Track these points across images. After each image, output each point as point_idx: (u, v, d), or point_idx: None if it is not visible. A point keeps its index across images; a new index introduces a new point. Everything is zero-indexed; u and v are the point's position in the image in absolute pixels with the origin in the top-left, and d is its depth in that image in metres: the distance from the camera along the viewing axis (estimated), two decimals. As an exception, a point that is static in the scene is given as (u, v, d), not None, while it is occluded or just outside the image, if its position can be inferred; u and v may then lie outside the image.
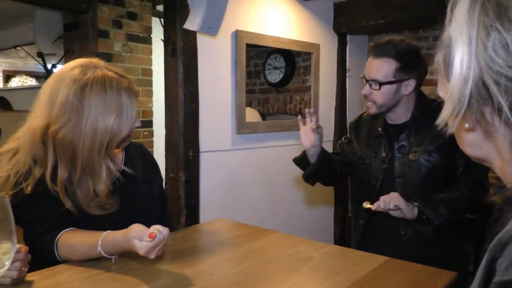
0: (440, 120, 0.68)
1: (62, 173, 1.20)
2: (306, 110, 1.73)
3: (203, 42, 2.64)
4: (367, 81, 1.62)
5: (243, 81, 2.86)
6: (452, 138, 1.80)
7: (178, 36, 2.57)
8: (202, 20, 2.43)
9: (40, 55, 3.21)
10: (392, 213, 1.47)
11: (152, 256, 1.07)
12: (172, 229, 1.53)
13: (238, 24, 2.82)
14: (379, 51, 1.59)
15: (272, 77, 4.17)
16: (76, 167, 1.20)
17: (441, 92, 0.72)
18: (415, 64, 1.59)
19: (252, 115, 3.47)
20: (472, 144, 0.68)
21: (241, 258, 1.22)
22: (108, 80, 1.21)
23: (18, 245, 0.98)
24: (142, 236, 1.05)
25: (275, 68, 4.13)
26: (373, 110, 1.65)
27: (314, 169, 1.72)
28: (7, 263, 0.78)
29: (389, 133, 1.70)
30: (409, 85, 1.59)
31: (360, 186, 1.76)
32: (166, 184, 2.70)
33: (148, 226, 1.09)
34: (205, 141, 2.68)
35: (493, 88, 0.51)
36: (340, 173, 1.85)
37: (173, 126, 2.63)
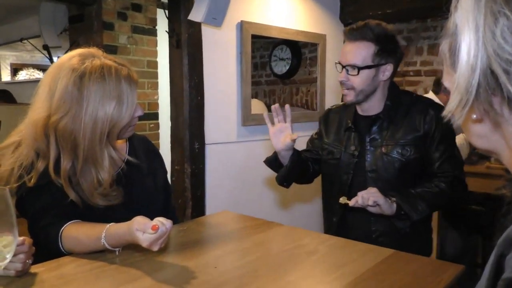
0: (447, 112, 0.66)
1: (65, 164, 1.20)
2: (273, 106, 1.59)
3: (208, 33, 2.63)
4: (343, 67, 1.54)
5: (249, 73, 2.84)
6: (426, 131, 1.79)
7: (182, 28, 2.56)
8: (206, 11, 2.41)
9: (46, 47, 3.22)
10: (370, 209, 1.41)
11: (155, 248, 1.07)
12: (176, 221, 1.53)
13: (243, 15, 2.80)
14: (356, 35, 1.51)
15: (278, 69, 4.14)
16: (78, 157, 1.20)
17: (447, 82, 0.70)
18: (392, 48, 1.53)
19: (258, 106, 3.45)
20: (480, 135, 0.65)
21: (245, 251, 1.21)
22: (106, 68, 1.21)
23: (22, 238, 0.98)
24: (145, 229, 1.05)
25: (281, 59, 4.10)
26: (350, 98, 1.56)
27: (287, 171, 1.62)
28: (8, 256, 0.78)
29: (359, 125, 1.64)
30: (387, 70, 1.53)
31: (332, 182, 1.68)
32: (172, 176, 2.70)
33: (152, 218, 1.08)
34: (211, 133, 2.67)
35: (502, 77, 0.49)
36: (313, 172, 1.77)
37: (179, 118, 2.63)
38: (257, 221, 1.49)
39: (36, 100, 1.23)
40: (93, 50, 1.27)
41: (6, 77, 6.83)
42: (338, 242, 1.27)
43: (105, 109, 1.20)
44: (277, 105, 1.58)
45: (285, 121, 1.58)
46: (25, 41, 3.99)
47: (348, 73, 1.53)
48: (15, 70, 6.86)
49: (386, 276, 1.03)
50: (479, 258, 2.94)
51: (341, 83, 1.56)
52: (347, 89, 1.55)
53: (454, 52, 0.61)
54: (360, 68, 1.50)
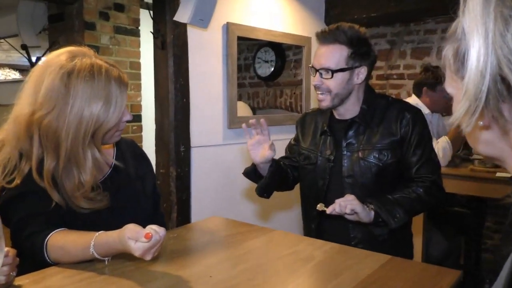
0: (454, 119, 0.64)
1: (48, 164, 1.16)
2: (250, 121, 1.54)
3: (193, 35, 2.58)
4: (317, 70, 1.51)
5: (235, 75, 2.80)
6: (403, 136, 1.78)
7: (168, 29, 2.51)
8: (193, 12, 2.37)
9: (25, 47, 3.11)
10: (348, 217, 1.38)
11: (148, 257, 1.02)
12: (164, 227, 1.49)
13: (229, 16, 2.76)
14: (328, 38, 1.49)
15: (262, 71, 4.12)
16: (60, 157, 1.15)
17: (450, 89, 0.69)
18: (366, 51, 1.51)
19: (243, 109, 3.42)
20: (487, 142, 0.64)
21: (240, 259, 1.18)
22: (97, 67, 1.17)
23: (6, 249, 0.93)
24: (137, 237, 1.00)
25: (265, 61, 4.08)
26: (326, 103, 1.53)
27: (267, 182, 1.60)
28: (-5, 271, 0.73)
29: (334, 129, 1.61)
30: (361, 73, 1.52)
31: (309, 188, 1.65)
32: (156, 179, 2.64)
33: (141, 224, 1.04)
34: (196, 136, 2.63)
35: None
36: (293, 179, 1.75)
37: (164, 121, 2.57)
38: (248, 227, 1.46)
39: (21, 96, 1.19)
40: (84, 48, 1.23)
41: (-19, 77, 6.61)
42: (333, 248, 1.25)
43: (91, 109, 1.15)
44: (254, 120, 1.53)
45: (263, 134, 1.54)
46: (2, 40, 3.86)
47: (322, 77, 1.50)
48: (-10, 70, 6.64)
49: (384, 283, 1.02)
50: (461, 259, 2.98)
51: (316, 87, 1.54)
52: (322, 93, 1.53)
53: (460, 57, 0.59)
54: (334, 71, 1.48)
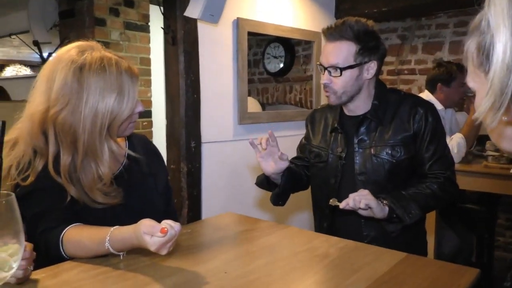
0: (479, 114, 0.63)
1: (65, 159, 1.16)
2: (261, 140, 1.48)
3: (203, 30, 2.57)
4: (325, 68, 1.48)
5: (245, 71, 2.79)
6: (416, 131, 1.74)
7: (178, 24, 2.50)
8: (203, 7, 2.35)
9: (36, 43, 3.13)
10: (361, 212, 1.36)
11: (164, 252, 1.02)
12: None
13: (239, 11, 2.75)
14: (335, 34, 1.45)
15: (272, 66, 4.11)
16: (78, 151, 1.16)
17: (472, 83, 0.67)
18: (375, 45, 1.47)
19: (253, 105, 3.41)
20: (511, 138, 0.63)
21: (255, 255, 1.18)
22: (107, 59, 1.17)
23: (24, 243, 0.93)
24: (153, 232, 1.00)
25: (275, 57, 4.07)
26: (334, 100, 1.51)
27: (281, 191, 1.57)
28: (15, 265, 0.73)
29: (345, 126, 1.58)
30: (371, 68, 1.48)
31: (320, 186, 1.63)
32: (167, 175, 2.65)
33: (155, 220, 1.04)
34: (207, 132, 2.63)
35: None
36: (307, 179, 1.72)
37: (174, 117, 2.57)
38: (263, 223, 1.46)
39: (33, 93, 1.19)
40: (92, 43, 1.23)
41: (-8, 73, 6.68)
42: (348, 245, 1.24)
43: (105, 101, 1.15)
44: (264, 140, 1.48)
45: (271, 145, 1.49)
46: (14, 36, 3.88)
47: (330, 75, 1.47)
48: (1, 66, 6.70)
49: (402, 281, 1.00)
50: (473, 257, 2.95)
51: (324, 86, 1.51)
52: (330, 91, 1.50)
53: (484, 51, 0.58)
54: (342, 69, 1.44)
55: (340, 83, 1.46)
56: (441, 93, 2.71)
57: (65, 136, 1.15)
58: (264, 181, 1.62)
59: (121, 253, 1.12)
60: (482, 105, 0.61)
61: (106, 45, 3.04)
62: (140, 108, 1.28)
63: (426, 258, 1.13)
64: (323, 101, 3.43)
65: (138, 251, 1.12)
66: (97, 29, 3.06)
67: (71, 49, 1.19)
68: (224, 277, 1.02)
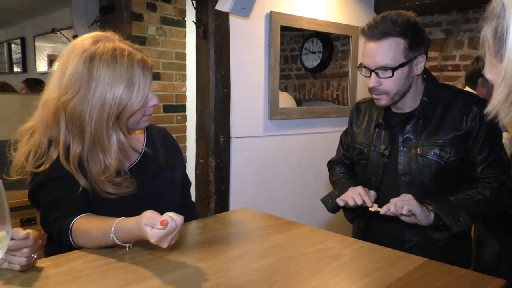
0: (491, 108, 0.55)
1: (74, 148, 1.17)
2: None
3: (235, 24, 2.55)
4: (372, 71, 1.36)
5: (277, 65, 2.74)
6: (469, 131, 1.59)
7: (210, 18, 2.49)
8: (234, 1, 2.33)
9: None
10: (404, 218, 1.27)
11: (165, 245, 1.00)
12: (195, 217, 1.47)
13: (272, 5, 2.70)
14: (379, 32, 1.33)
15: (309, 62, 4.03)
16: (85, 140, 1.17)
17: (490, 75, 0.60)
18: (421, 37, 1.36)
19: (286, 100, 3.35)
20: None
21: (262, 253, 1.13)
22: (119, 50, 1.17)
23: (25, 231, 0.94)
24: (153, 223, 0.98)
25: (312, 52, 3.98)
26: (384, 102, 1.40)
27: (356, 208, 1.44)
28: (0, 252, 0.72)
29: (390, 122, 1.48)
30: (420, 62, 1.37)
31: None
32: (196, 169, 2.65)
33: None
34: (237, 127, 2.60)
35: None
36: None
37: (204, 111, 2.57)
38: (278, 220, 1.41)
39: (49, 82, 1.22)
40: (109, 33, 1.23)
41: (43, 67, 6.99)
42: (364, 247, 1.17)
43: (113, 92, 1.15)
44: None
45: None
46: (58, 32, 4.03)
47: (379, 77, 1.36)
48: (51, 61, 7.01)
49: (416, 288, 0.93)
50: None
51: (372, 89, 1.39)
52: (379, 94, 1.39)
53: (500, 37, 0.51)
54: (394, 69, 1.33)
55: (391, 84, 1.36)
56: (483, 88, 2.53)
57: (74, 124, 1.16)
58: (335, 208, 1.54)
59: (127, 244, 1.11)
60: (495, 96, 0.54)
61: (143, 39, 3.09)
62: (154, 101, 1.26)
63: (447, 265, 1.04)
64: (359, 98, 3.31)
65: (144, 244, 1.10)
66: (134, 24, 3.11)
67: (85, 39, 1.20)
68: (226, 274, 0.98)
